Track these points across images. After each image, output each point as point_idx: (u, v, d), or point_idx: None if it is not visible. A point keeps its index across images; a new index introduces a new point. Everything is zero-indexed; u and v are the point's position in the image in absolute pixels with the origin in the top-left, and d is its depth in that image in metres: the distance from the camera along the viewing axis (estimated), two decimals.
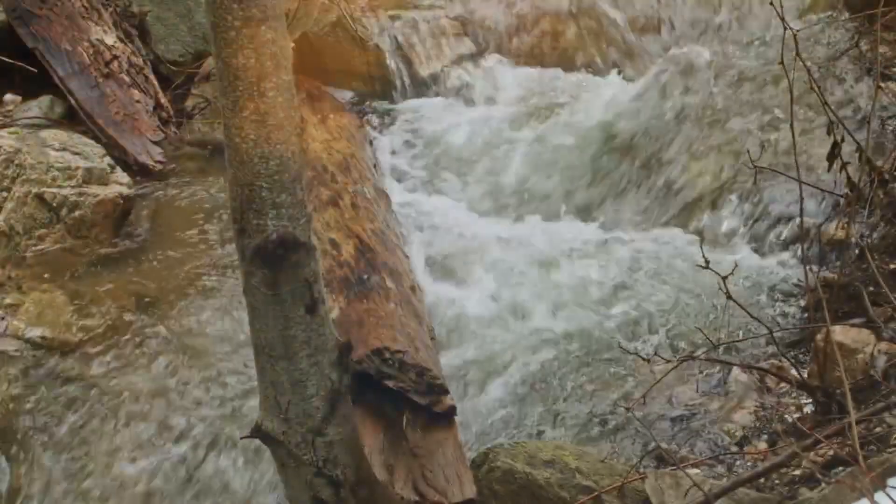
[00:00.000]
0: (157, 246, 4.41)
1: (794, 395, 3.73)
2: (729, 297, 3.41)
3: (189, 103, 5.40)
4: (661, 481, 3.08)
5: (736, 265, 3.42)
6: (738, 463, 3.54)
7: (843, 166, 3.99)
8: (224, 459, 3.54)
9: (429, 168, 5.40)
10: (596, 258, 4.60)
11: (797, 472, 3.30)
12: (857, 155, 4.05)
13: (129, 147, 4.84)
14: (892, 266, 4.19)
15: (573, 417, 3.83)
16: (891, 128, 4.87)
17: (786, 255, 4.56)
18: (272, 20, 2.32)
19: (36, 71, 4.91)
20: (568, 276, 4.49)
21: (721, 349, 3.85)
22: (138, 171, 4.79)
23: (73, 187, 4.35)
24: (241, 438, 3.30)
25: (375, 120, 5.74)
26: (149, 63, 5.39)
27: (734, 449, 3.61)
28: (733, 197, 4.82)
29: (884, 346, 3.66)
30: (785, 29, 3.64)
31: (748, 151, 3.74)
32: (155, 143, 4.96)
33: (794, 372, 3.68)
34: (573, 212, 5.03)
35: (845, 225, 4.17)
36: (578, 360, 4.06)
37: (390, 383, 3.36)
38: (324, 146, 4.74)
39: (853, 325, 3.75)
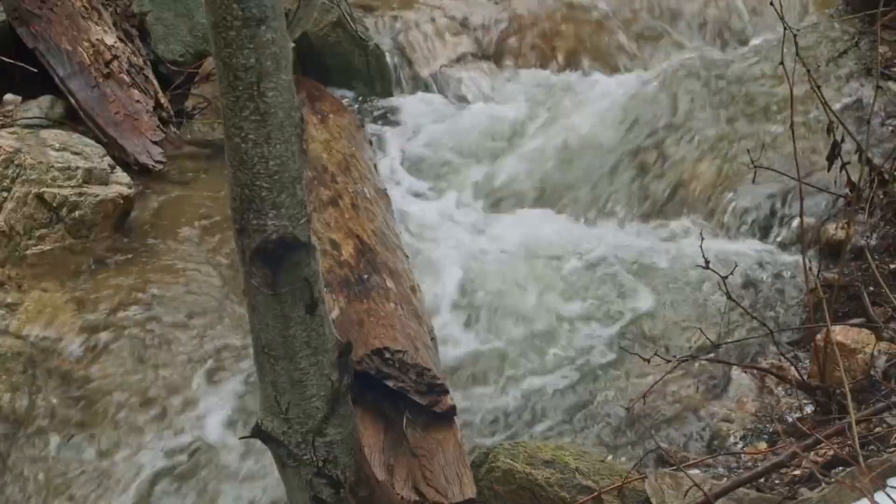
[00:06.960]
0: (158, 246, 4.40)
1: (794, 395, 3.73)
2: (729, 297, 3.42)
3: (189, 103, 5.39)
4: (661, 481, 3.09)
5: (736, 265, 3.42)
6: (737, 463, 3.54)
7: (843, 166, 3.99)
8: (227, 457, 3.55)
9: (428, 167, 5.40)
10: (594, 257, 4.60)
11: (797, 472, 3.30)
12: (857, 155, 4.05)
13: (130, 147, 4.83)
14: (892, 266, 4.19)
15: (573, 417, 3.83)
16: (891, 128, 4.88)
17: (786, 255, 4.56)
18: (272, 20, 2.31)
19: (36, 71, 4.91)
20: (566, 275, 4.49)
21: (721, 349, 3.86)
22: (138, 171, 4.78)
23: (73, 187, 4.34)
24: (240, 439, 3.31)
25: (375, 120, 5.73)
26: (149, 63, 5.38)
27: (734, 449, 3.61)
28: (733, 197, 4.83)
29: (884, 346, 3.67)
30: (785, 29, 3.64)
31: (748, 151, 3.74)
32: (155, 143, 4.94)
33: (794, 372, 3.69)
34: (572, 211, 5.03)
35: (845, 225, 4.17)
36: (578, 359, 4.06)
37: (390, 383, 3.36)
38: (324, 146, 4.74)
39: (853, 325, 3.75)
